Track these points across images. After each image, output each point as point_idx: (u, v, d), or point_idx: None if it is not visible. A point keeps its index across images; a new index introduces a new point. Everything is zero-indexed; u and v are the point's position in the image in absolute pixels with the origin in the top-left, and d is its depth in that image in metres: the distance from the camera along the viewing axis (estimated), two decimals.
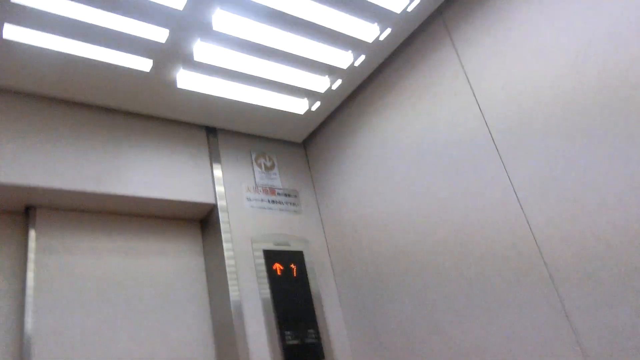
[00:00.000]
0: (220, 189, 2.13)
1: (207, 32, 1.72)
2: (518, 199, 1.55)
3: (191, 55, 1.80)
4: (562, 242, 1.43)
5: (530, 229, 1.51)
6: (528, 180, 1.53)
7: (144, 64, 1.80)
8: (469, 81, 1.78)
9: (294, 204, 2.32)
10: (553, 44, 1.52)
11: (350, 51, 1.99)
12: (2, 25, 1.53)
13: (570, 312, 1.39)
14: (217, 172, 2.17)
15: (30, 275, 1.71)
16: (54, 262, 1.78)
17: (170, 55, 1.78)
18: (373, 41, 1.94)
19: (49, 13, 1.52)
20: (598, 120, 1.38)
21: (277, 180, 2.34)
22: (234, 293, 1.91)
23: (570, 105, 1.45)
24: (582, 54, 1.44)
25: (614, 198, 1.32)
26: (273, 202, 2.26)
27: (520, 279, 1.52)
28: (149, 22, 1.64)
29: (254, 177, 2.28)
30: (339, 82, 2.13)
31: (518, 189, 1.56)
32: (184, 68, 1.87)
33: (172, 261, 2.06)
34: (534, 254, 1.49)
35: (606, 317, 1.31)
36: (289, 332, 1.93)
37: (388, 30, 1.92)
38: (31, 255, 1.74)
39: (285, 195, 2.32)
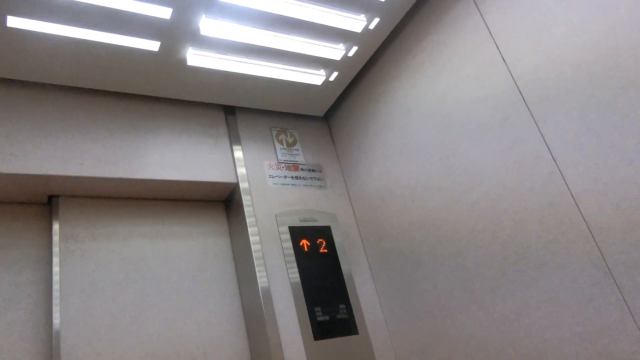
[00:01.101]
0: (241, 167, 2.09)
1: (211, 6, 1.67)
2: (551, 153, 1.44)
3: (197, 31, 1.75)
4: (600, 195, 1.31)
5: (566, 183, 1.40)
6: (561, 133, 1.42)
7: (152, 46, 1.77)
8: (491, 34, 1.66)
9: (318, 179, 2.26)
10: None
11: (363, 14, 1.90)
12: (5, 17, 1.52)
13: (613, 268, 1.28)
14: (238, 150, 2.13)
15: (55, 263, 1.72)
16: (79, 250, 1.79)
17: (177, 33, 1.74)
18: (386, 0, 1.84)
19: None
20: (633, 64, 1.25)
21: (299, 156, 2.28)
22: (260, 272, 1.88)
23: (601, 51, 1.32)
24: None
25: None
26: (297, 178, 2.20)
27: (559, 237, 1.41)
28: (151, 2, 1.60)
29: (276, 154, 2.22)
30: (354, 48, 2.04)
31: (550, 142, 1.44)
32: (192, 46, 1.82)
33: (197, 243, 2.04)
34: (571, 209, 1.38)
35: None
36: (318, 309, 1.89)
37: None
38: (56, 243, 1.75)
39: (309, 170, 2.26)
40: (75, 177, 1.76)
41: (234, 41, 1.84)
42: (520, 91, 1.55)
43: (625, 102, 1.27)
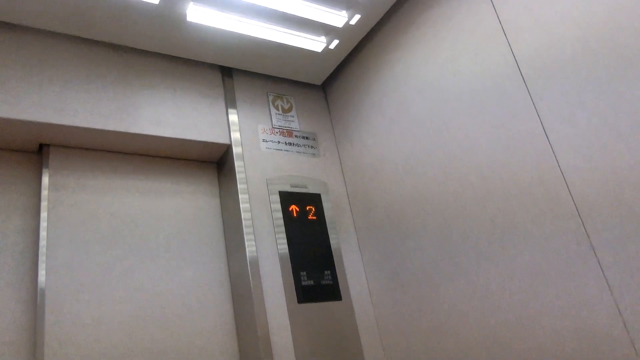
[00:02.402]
0: (235, 129, 2.08)
1: None
2: (544, 129, 1.44)
3: None
4: (590, 173, 1.32)
5: (557, 159, 1.40)
6: (556, 109, 1.42)
7: None
8: (494, 7, 1.65)
9: (312, 147, 2.25)
10: None
11: None
12: None
13: (596, 246, 1.29)
14: (233, 113, 2.12)
15: (44, 212, 1.71)
16: (67, 200, 1.78)
17: None
18: None
19: None
20: (631, 44, 1.25)
21: (294, 123, 2.27)
22: (248, 235, 1.89)
23: (601, 30, 1.32)
24: None
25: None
26: (290, 144, 2.20)
27: (546, 211, 1.42)
28: None
29: (271, 119, 2.21)
30: (357, 16, 2.02)
31: (545, 118, 1.45)
32: (193, 1, 1.80)
33: (188, 202, 2.04)
34: (560, 186, 1.39)
35: (633, 251, 1.21)
36: (304, 273, 1.90)
37: None
38: (45, 192, 1.75)
39: (303, 137, 2.26)
40: (68, 127, 1.74)
41: (236, 0, 1.81)
42: (518, 66, 1.55)
43: (621, 82, 1.27)
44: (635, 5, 1.26)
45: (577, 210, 1.34)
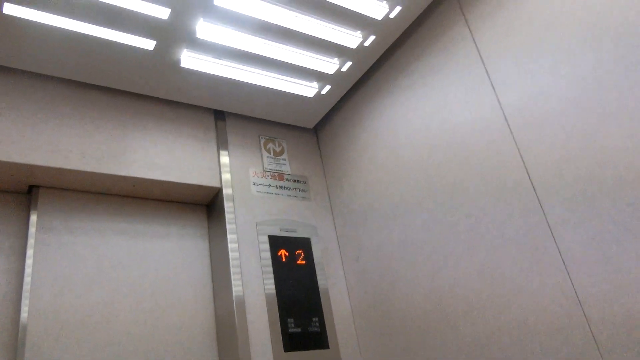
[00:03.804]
0: (226, 172, 2.09)
1: (209, 10, 1.68)
2: (530, 180, 1.46)
3: (194, 34, 1.76)
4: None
5: (545, 214, 1.41)
6: (542, 162, 1.44)
7: (147, 44, 1.78)
8: (482, 60, 1.69)
9: (302, 190, 2.26)
10: (569, 17, 1.42)
11: (359, 31, 1.92)
12: (2, 4, 1.52)
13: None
14: (224, 155, 2.13)
15: (30, 254, 1.70)
16: (55, 242, 1.77)
17: (173, 34, 1.75)
18: (382, 18, 1.87)
19: None
20: (614, 99, 1.28)
21: (286, 166, 2.29)
22: (236, 279, 1.87)
23: (587, 82, 1.35)
24: (598, 27, 1.34)
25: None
26: (281, 187, 2.20)
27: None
28: (150, 2, 1.61)
29: (262, 162, 2.23)
30: (348, 64, 2.06)
31: (531, 170, 1.46)
32: (187, 48, 1.83)
33: (176, 245, 2.03)
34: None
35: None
36: (291, 320, 1.88)
37: (398, 8, 1.84)
38: (32, 234, 1.74)
39: (294, 181, 2.26)
40: (59, 169, 1.75)
41: (230, 47, 1.85)
42: (505, 117, 1.57)
43: (607, 135, 1.29)
44: (618, 60, 1.29)
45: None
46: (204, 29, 1.75)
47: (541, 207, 1.42)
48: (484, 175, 1.61)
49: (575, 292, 1.31)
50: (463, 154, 1.70)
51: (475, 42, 1.72)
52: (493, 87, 1.63)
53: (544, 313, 1.38)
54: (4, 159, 1.65)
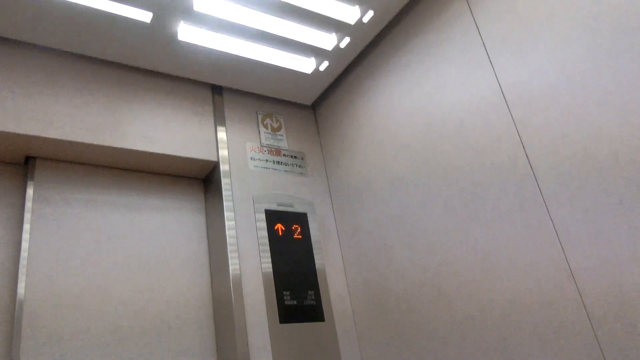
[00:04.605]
0: (223, 147, 2.09)
1: None
2: (527, 157, 1.47)
3: (191, 6, 1.75)
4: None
5: (540, 189, 1.43)
6: (538, 138, 1.44)
7: (144, 16, 1.76)
8: (482, 38, 1.68)
9: (300, 166, 2.27)
10: None
11: (357, 6, 1.91)
12: None
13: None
14: (221, 130, 2.13)
15: (27, 224, 1.70)
16: (51, 213, 1.78)
17: (170, 6, 1.73)
18: None
19: None
20: (610, 82, 1.28)
21: (283, 142, 2.29)
22: (232, 253, 1.88)
23: (581, 67, 1.35)
24: (595, 8, 1.33)
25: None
26: (278, 163, 2.21)
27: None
28: None
29: (260, 137, 2.23)
30: (346, 40, 2.05)
31: (528, 147, 1.47)
32: (184, 21, 1.82)
33: (173, 218, 2.04)
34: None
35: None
36: (287, 293, 1.90)
37: None
38: (29, 204, 1.74)
39: (291, 157, 2.27)
40: (56, 140, 1.75)
41: (227, 20, 1.84)
42: (504, 95, 1.58)
43: (602, 114, 1.30)
44: (614, 41, 1.29)
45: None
46: (202, 1, 1.73)
47: (537, 182, 1.43)
48: (480, 152, 1.62)
49: (569, 265, 1.33)
50: (460, 130, 1.70)
51: (474, 19, 1.71)
52: (492, 65, 1.63)
53: (537, 286, 1.40)
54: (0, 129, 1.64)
